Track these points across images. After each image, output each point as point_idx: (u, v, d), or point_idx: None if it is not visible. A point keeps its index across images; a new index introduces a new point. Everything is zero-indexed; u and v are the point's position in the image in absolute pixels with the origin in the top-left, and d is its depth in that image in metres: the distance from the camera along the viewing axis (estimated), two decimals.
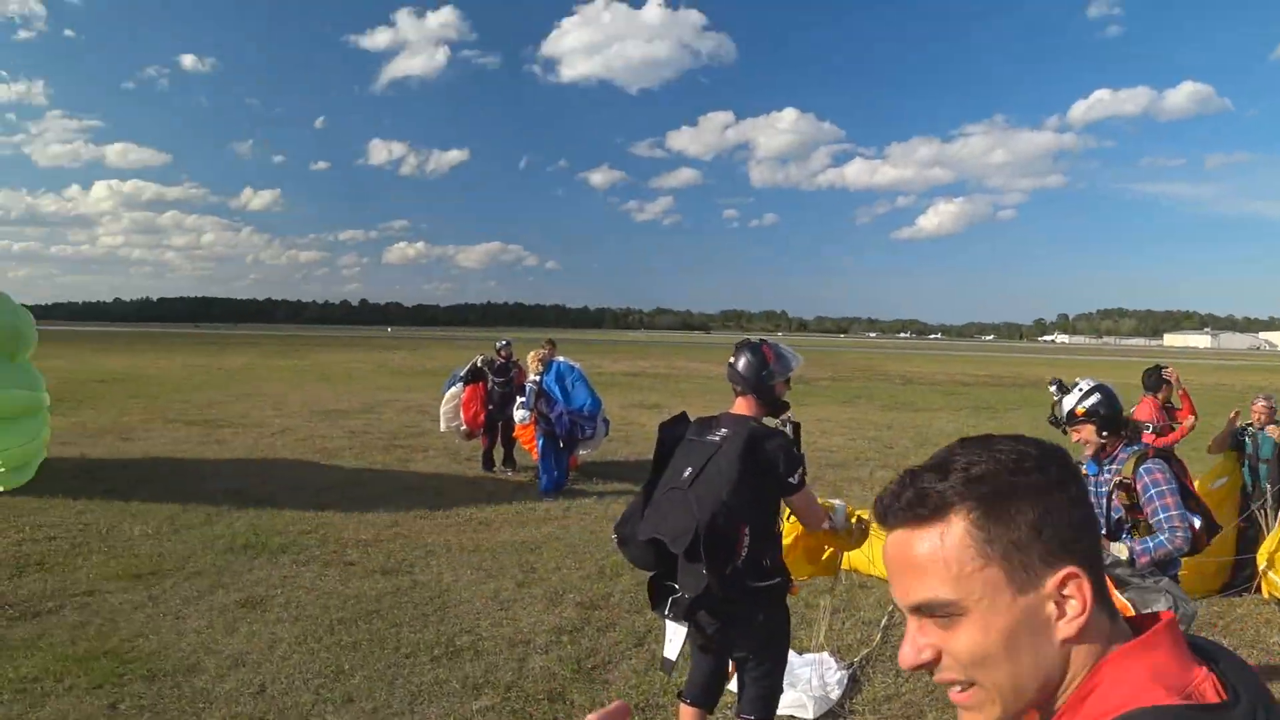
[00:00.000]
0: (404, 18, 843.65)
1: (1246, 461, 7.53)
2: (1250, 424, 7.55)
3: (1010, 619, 0.99)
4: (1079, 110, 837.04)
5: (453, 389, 12.35)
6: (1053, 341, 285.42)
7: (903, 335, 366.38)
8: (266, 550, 7.88)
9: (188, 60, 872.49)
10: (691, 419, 3.83)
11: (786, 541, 4.29)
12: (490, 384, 12.08)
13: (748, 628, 3.56)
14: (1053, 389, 3.85)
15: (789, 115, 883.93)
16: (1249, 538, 7.37)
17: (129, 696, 4.91)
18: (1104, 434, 4.24)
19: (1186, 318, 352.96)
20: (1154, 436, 7.06)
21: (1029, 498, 1.01)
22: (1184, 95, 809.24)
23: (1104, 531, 4.14)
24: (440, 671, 5.32)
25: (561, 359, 11.26)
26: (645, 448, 15.07)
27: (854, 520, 4.15)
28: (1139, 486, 4.09)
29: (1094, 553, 1.03)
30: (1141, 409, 7.30)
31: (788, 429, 3.77)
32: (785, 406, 3.83)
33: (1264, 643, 6.37)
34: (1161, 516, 3.98)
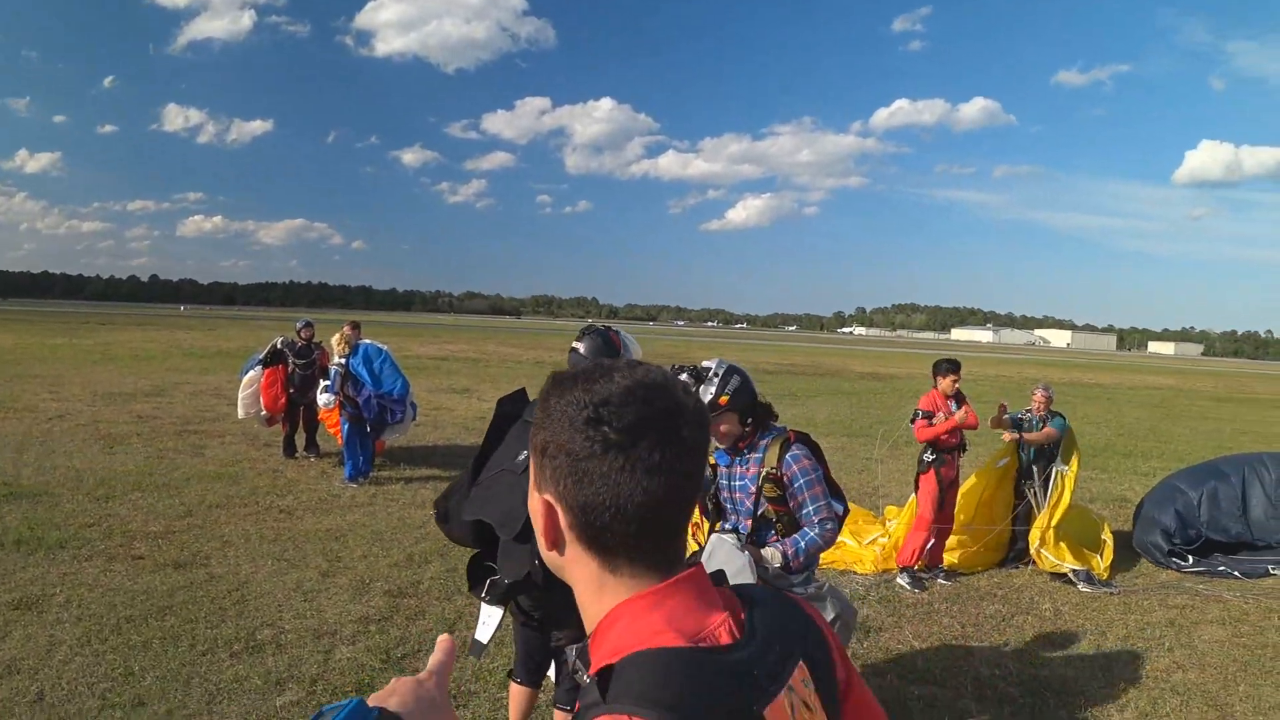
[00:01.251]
0: None
1: (1021, 444, 8.22)
2: (1029, 410, 8.24)
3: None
4: (881, 117, 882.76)
5: (251, 373, 11.75)
6: (850, 333, 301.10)
7: (709, 324, 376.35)
8: (43, 546, 7.31)
9: None
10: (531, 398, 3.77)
11: None
12: (291, 366, 11.61)
13: (572, 614, 3.59)
14: (684, 378, 2.81)
15: (606, 104, 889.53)
16: (1023, 515, 8.12)
17: None
18: (748, 422, 3.90)
19: (971, 314, 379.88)
20: (925, 423, 7.61)
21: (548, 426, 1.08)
22: (976, 109, 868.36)
23: (745, 529, 3.87)
24: (240, 668, 5.10)
25: (368, 341, 10.95)
26: (454, 432, 14.93)
27: None
28: (787, 475, 3.77)
29: (576, 499, 1.04)
30: (925, 398, 7.81)
31: None
32: None
33: (1036, 609, 7.02)
34: (811, 509, 3.74)
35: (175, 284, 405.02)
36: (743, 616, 1.08)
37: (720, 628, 1.04)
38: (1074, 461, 7.96)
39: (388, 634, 5.71)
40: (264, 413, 11.71)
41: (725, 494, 4.01)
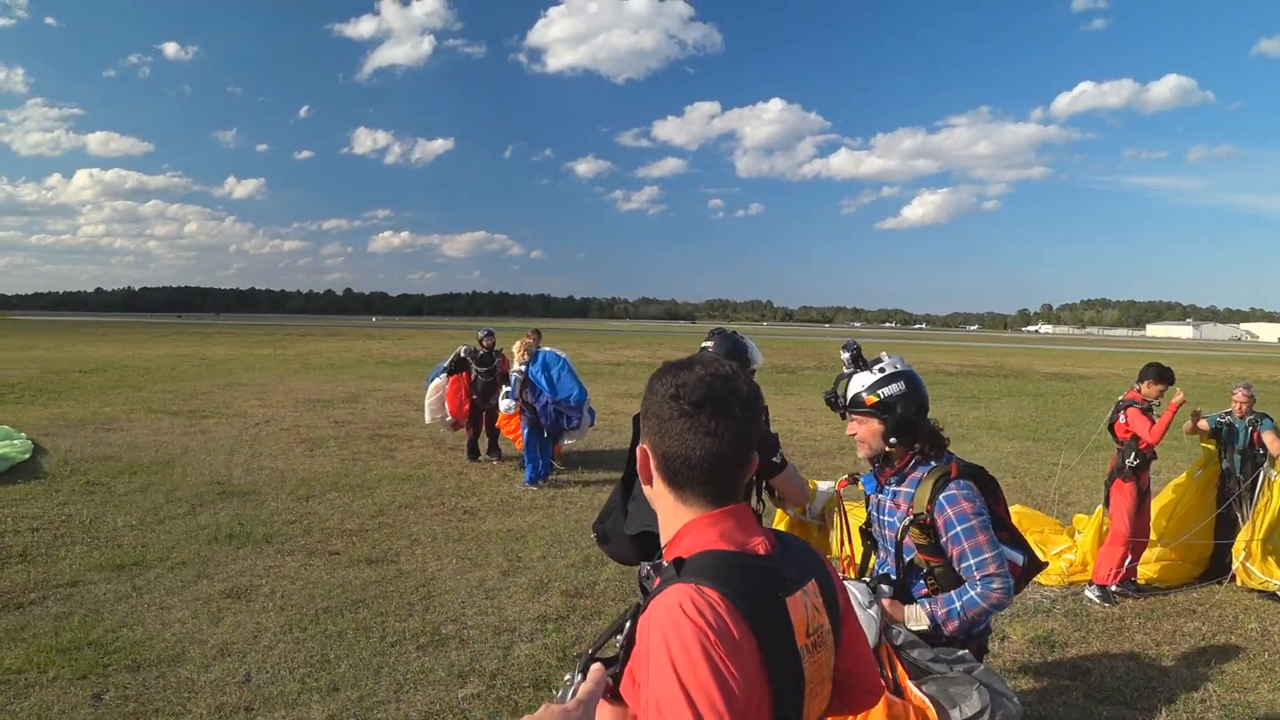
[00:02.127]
0: (388, 6, 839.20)
1: (1224, 450, 7.59)
2: (1229, 412, 7.61)
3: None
4: (1063, 102, 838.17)
5: (437, 380, 12.33)
6: (1037, 331, 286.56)
7: (887, 325, 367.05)
8: (251, 540, 7.87)
9: (170, 48, 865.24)
10: None
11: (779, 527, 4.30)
12: (474, 374, 12.07)
13: None
14: (845, 356, 2.46)
15: (775, 105, 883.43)
16: (1228, 526, 7.46)
17: (113, 687, 4.92)
18: (892, 440, 3.15)
19: (1169, 309, 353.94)
20: (1139, 413, 7.11)
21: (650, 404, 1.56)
22: (1167, 88, 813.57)
23: (892, 578, 3.15)
24: (426, 660, 5.34)
25: (547, 348, 11.25)
26: (629, 435, 15.10)
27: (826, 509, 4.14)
28: (940, 521, 3.01)
29: (660, 448, 1.51)
30: (1131, 395, 7.32)
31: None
32: None
33: (1241, 629, 6.46)
34: (972, 561, 2.95)
35: (367, 296, 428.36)
36: (775, 541, 1.52)
37: (758, 544, 1.49)
38: None
39: (564, 632, 5.85)
40: (449, 418, 12.24)
41: (875, 527, 3.34)
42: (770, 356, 43.41)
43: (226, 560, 7.32)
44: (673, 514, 1.53)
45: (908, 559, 3.12)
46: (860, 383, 3.20)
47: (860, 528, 3.45)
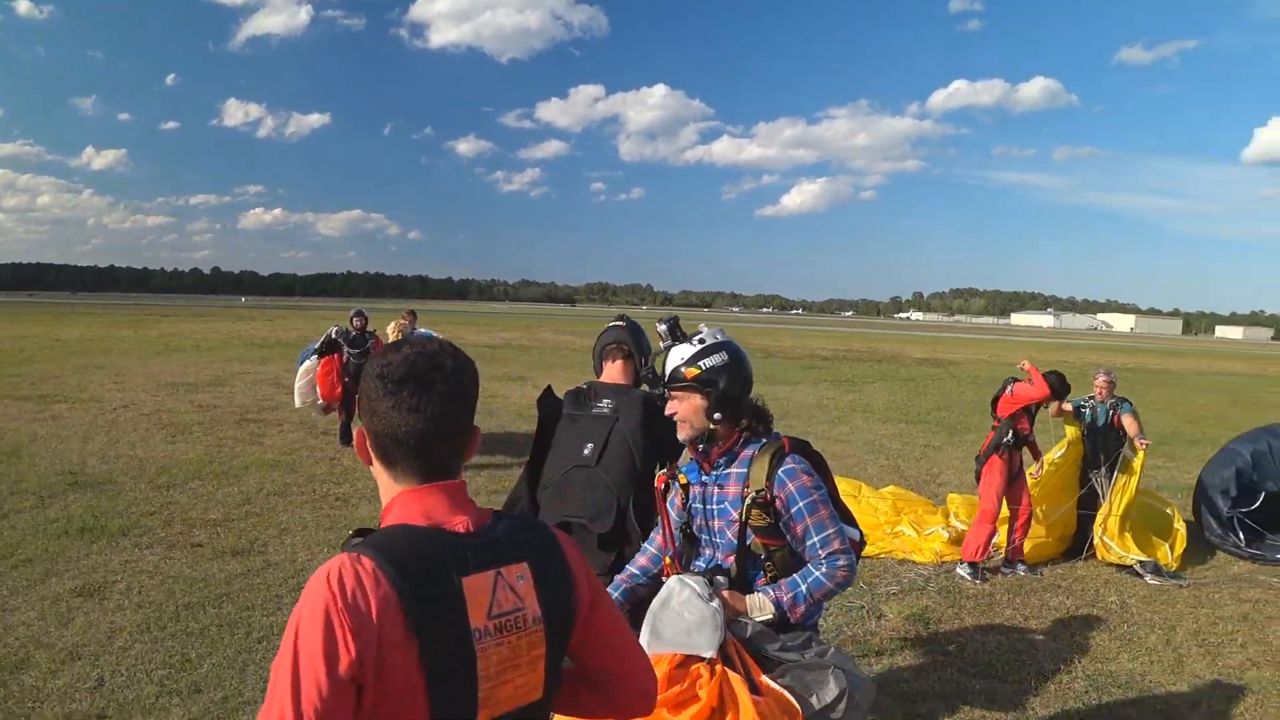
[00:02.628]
0: None
1: (1086, 432, 7.97)
2: (1091, 396, 8.00)
3: None
4: (938, 99, 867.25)
5: (306, 362, 11.94)
6: (908, 318, 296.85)
7: (764, 310, 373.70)
8: (105, 534, 7.44)
9: (22, 6, 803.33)
10: (557, 393, 3.69)
11: None
12: (346, 355, 11.71)
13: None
14: (661, 329, 2.35)
15: (659, 91, 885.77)
16: (1089, 504, 7.85)
17: None
18: (717, 416, 2.81)
19: (1032, 298, 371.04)
20: (1025, 384, 7.42)
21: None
22: (1036, 89, 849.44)
23: (724, 568, 2.84)
24: None
25: (423, 329, 11.00)
26: (508, 420, 14.96)
27: None
28: (781, 497, 2.74)
29: (370, 427, 1.53)
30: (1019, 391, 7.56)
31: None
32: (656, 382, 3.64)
33: (1102, 602, 6.81)
34: (816, 539, 2.72)
35: (236, 276, 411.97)
36: (487, 522, 1.52)
37: (460, 522, 1.48)
38: (1139, 450, 7.68)
39: None
40: (320, 401, 11.88)
41: (699, 521, 2.97)
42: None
43: (78, 556, 6.90)
44: (387, 491, 1.56)
45: (744, 544, 2.81)
46: (679, 355, 2.85)
47: (679, 528, 3.04)
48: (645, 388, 3.62)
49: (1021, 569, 7.40)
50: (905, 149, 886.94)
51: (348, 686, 1.30)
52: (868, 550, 7.61)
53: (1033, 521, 7.58)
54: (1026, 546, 7.58)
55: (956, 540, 7.69)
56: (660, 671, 2.19)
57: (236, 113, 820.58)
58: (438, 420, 1.49)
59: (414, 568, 1.37)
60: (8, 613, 5.67)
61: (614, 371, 3.61)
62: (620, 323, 3.72)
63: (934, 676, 5.27)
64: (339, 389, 11.73)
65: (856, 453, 12.96)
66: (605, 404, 3.43)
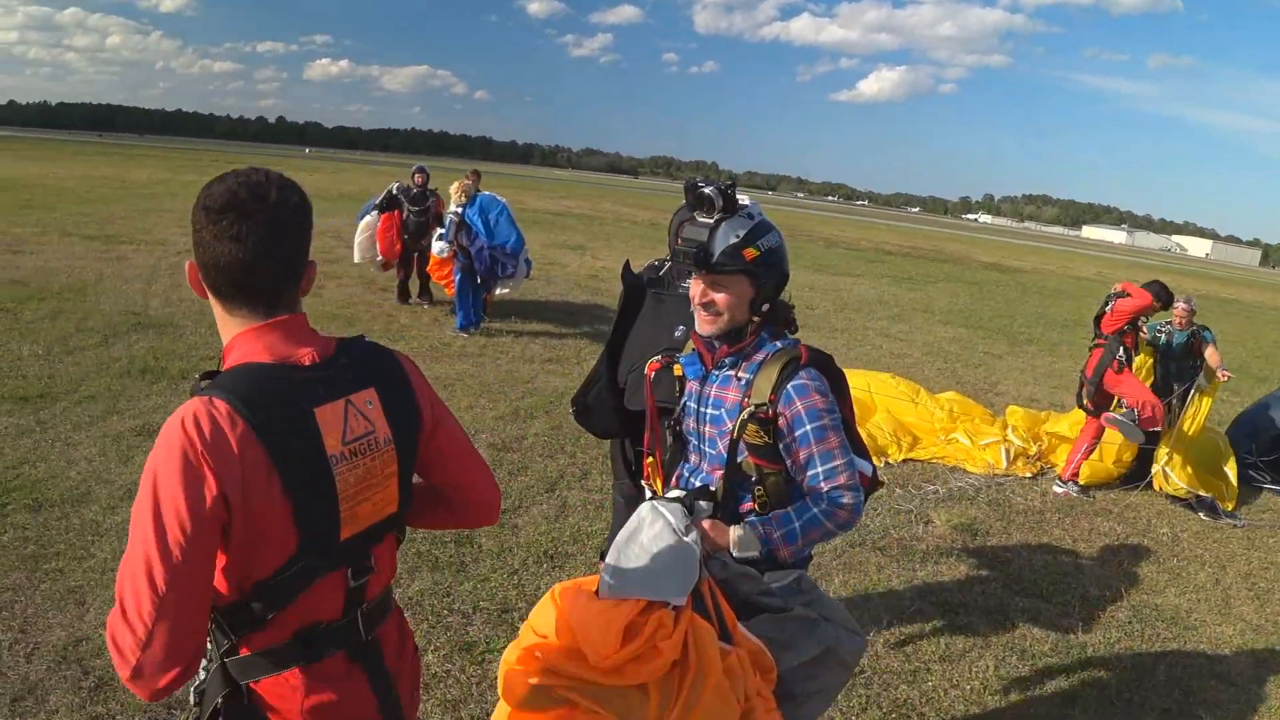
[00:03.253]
0: None
1: (1159, 358, 7.63)
2: (1169, 322, 7.63)
3: None
4: None
5: (367, 218, 11.72)
6: (975, 220, 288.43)
7: (830, 199, 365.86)
8: (166, 376, 7.54)
9: None
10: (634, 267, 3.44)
11: None
12: (406, 213, 11.51)
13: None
14: (709, 192, 1.83)
15: None
16: (1153, 433, 7.50)
17: (11, 528, 4.65)
18: (765, 308, 2.37)
19: (1106, 212, 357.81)
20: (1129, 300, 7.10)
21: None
22: None
23: (712, 490, 2.42)
24: None
25: (485, 192, 10.78)
26: (566, 289, 14.86)
27: None
28: (787, 415, 2.28)
29: (198, 259, 1.54)
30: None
31: None
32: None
33: (1154, 533, 6.63)
34: (820, 469, 2.27)
35: (300, 126, 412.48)
36: (332, 353, 1.59)
37: (305, 354, 1.55)
38: (1215, 381, 7.35)
39: None
40: (379, 258, 11.74)
41: (690, 423, 2.54)
42: None
43: (139, 395, 7.01)
44: (222, 325, 1.59)
45: (735, 461, 2.38)
46: (733, 231, 2.28)
47: (667, 425, 2.65)
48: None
49: (1074, 489, 7.18)
50: (992, 43, 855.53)
51: (211, 524, 1.40)
52: (919, 453, 7.51)
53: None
54: (1084, 469, 7.33)
55: (1015, 455, 7.58)
56: (617, 624, 1.89)
57: None
58: (261, 250, 1.50)
59: (267, 404, 1.46)
60: (70, 448, 5.78)
61: None
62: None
63: (977, 589, 5.18)
64: (398, 246, 11.60)
65: (915, 353, 12.73)
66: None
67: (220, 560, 1.48)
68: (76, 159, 48.71)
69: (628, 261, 3.52)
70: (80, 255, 13.82)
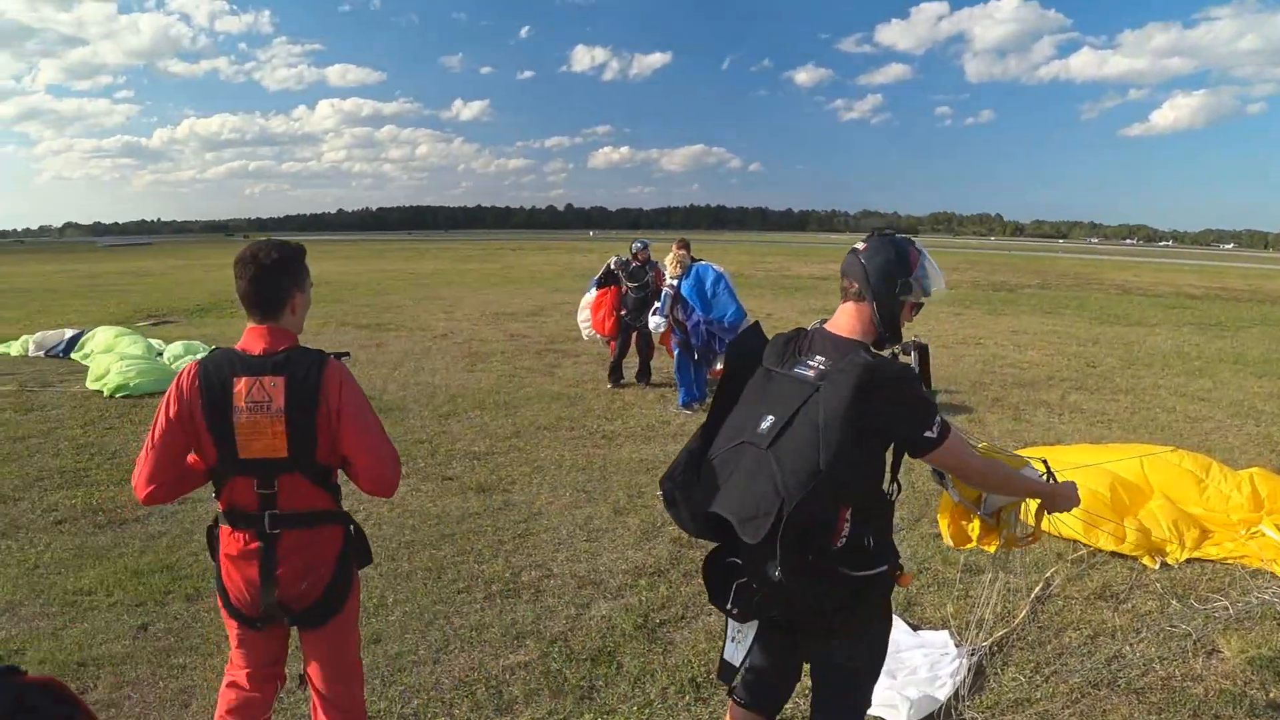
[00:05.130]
0: None
1: None
2: None
3: None
4: None
5: (586, 295, 11.53)
6: None
7: (1128, 241, 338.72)
8: None
9: None
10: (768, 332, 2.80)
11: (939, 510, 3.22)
12: (624, 288, 11.16)
13: (833, 626, 2.55)
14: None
15: (1009, 3, 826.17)
16: None
17: (164, 618, 4.63)
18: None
19: None
20: None
21: None
22: None
23: None
24: (487, 614, 4.71)
25: (703, 262, 10.31)
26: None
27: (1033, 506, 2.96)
28: None
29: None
30: None
31: (912, 357, 2.70)
32: (898, 337, 2.68)
33: None
34: None
35: (587, 211, 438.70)
36: (277, 352, 2.62)
37: (255, 347, 2.63)
38: None
39: (656, 591, 5.05)
40: (599, 335, 11.47)
41: None
42: (991, 274, 40.55)
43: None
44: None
45: None
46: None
47: None
48: (895, 351, 2.67)
49: None
50: None
51: (173, 424, 2.60)
52: (1209, 550, 5.74)
53: None
54: None
55: None
56: None
57: (584, 58, 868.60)
58: (247, 287, 2.63)
59: (212, 370, 2.59)
60: None
61: (846, 317, 2.64)
62: (861, 243, 2.73)
63: None
64: (611, 322, 11.23)
65: (1217, 415, 10.58)
66: (816, 362, 2.50)
67: (196, 450, 2.65)
68: (379, 256, 53.62)
69: (756, 324, 2.89)
70: (347, 344, 14.62)
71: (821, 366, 2.46)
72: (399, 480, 2.82)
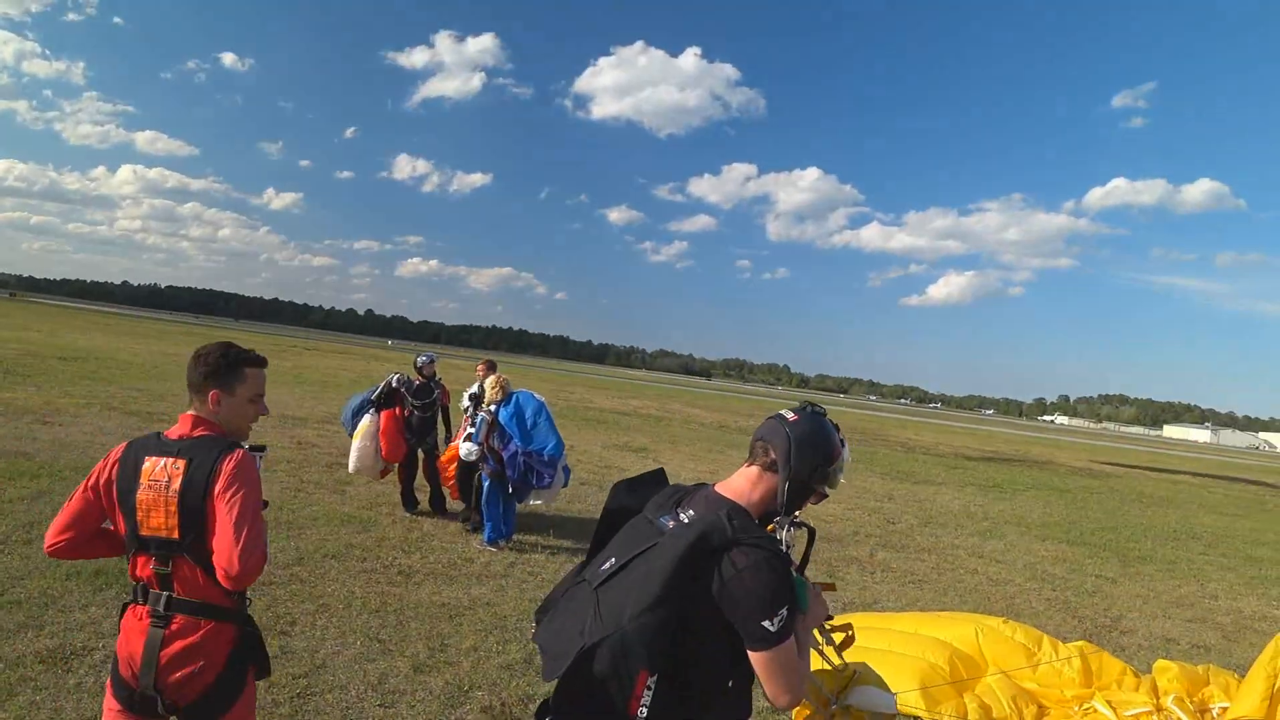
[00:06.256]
0: (444, 40, 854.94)
1: None
2: None
3: None
4: (1095, 196, 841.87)
5: (365, 421, 10.22)
6: (1052, 422, 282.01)
7: (902, 401, 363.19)
8: (120, 581, 6.34)
9: (228, 58, 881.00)
10: (670, 481, 2.63)
11: None
12: (409, 409, 10.32)
13: None
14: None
15: (811, 174, 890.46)
16: None
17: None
18: None
19: (1187, 410, 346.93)
20: None
21: None
22: (1200, 191, 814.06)
23: None
24: None
25: (522, 389, 9.71)
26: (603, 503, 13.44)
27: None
28: None
29: None
30: None
31: (789, 536, 2.33)
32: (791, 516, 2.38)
33: None
34: None
35: (388, 319, 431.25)
36: (185, 438, 2.79)
37: (172, 433, 2.83)
38: None
39: None
40: (380, 463, 10.34)
41: None
42: None
43: (74, 605, 5.82)
44: None
45: None
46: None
47: None
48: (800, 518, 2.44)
49: None
50: (1058, 245, 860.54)
51: (90, 492, 2.79)
52: None
53: None
54: None
55: None
56: None
57: (405, 167, 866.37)
58: (189, 376, 2.91)
59: (135, 448, 2.78)
60: None
61: (742, 480, 2.39)
62: (791, 413, 2.42)
63: None
64: (404, 448, 10.31)
65: (1016, 578, 10.85)
66: (685, 515, 2.31)
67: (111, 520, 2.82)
68: (161, 337, 49.99)
69: (660, 471, 2.68)
70: (109, 430, 13.24)
71: (690, 516, 2.29)
72: (254, 573, 2.63)
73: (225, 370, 2.83)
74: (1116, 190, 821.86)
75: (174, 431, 2.79)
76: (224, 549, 2.59)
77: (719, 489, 2.38)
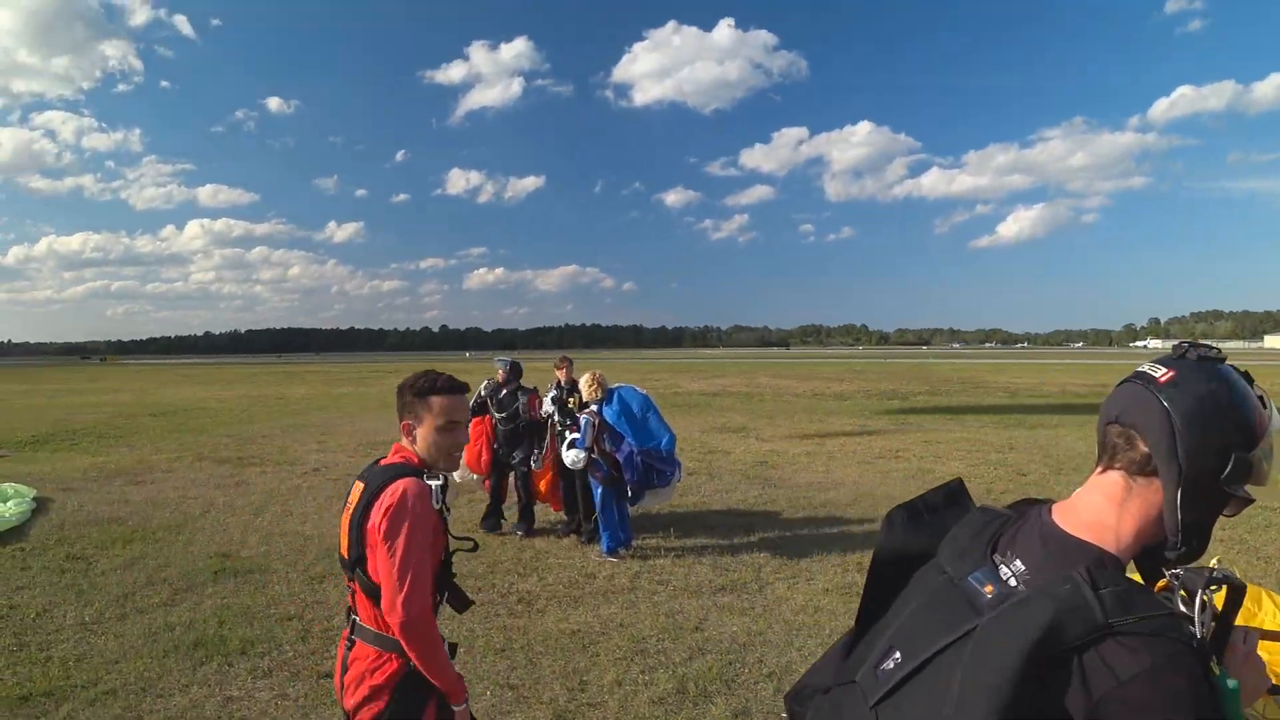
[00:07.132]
0: (478, 51, 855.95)
1: None
2: None
3: None
4: (1161, 108, 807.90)
5: None
6: (1145, 347, 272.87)
7: (988, 345, 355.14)
8: (221, 651, 5.76)
9: (273, 103, 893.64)
10: (975, 502, 1.67)
11: None
12: (494, 419, 9.59)
13: None
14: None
15: (863, 128, 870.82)
16: None
17: None
18: None
19: None
20: None
21: None
22: (1272, 87, 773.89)
23: None
24: None
25: (624, 384, 8.91)
26: (733, 482, 12.68)
27: None
28: None
29: None
30: None
31: (1200, 601, 1.34)
32: (1199, 553, 1.39)
33: None
34: None
35: (462, 332, 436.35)
36: (377, 464, 2.80)
37: (382, 459, 2.85)
38: None
39: None
40: (471, 475, 9.77)
41: None
42: (878, 383, 40.52)
43: (173, 687, 5.22)
44: None
45: None
46: None
47: None
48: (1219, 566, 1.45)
49: None
50: (1128, 165, 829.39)
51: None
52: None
53: None
54: None
55: None
56: None
57: (459, 181, 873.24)
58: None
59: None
60: None
61: (1094, 497, 1.44)
62: (1162, 367, 1.41)
63: None
64: (486, 457, 9.63)
65: None
66: (1013, 570, 1.38)
67: None
68: (247, 380, 50.64)
69: (957, 483, 1.70)
70: (202, 482, 12.83)
71: (1012, 583, 1.36)
72: (419, 623, 2.49)
73: (411, 400, 2.78)
74: (1183, 99, 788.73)
75: (386, 460, 2.80)
76: (388, 594, 2.51)
77: (1060, 518, 1.44)
